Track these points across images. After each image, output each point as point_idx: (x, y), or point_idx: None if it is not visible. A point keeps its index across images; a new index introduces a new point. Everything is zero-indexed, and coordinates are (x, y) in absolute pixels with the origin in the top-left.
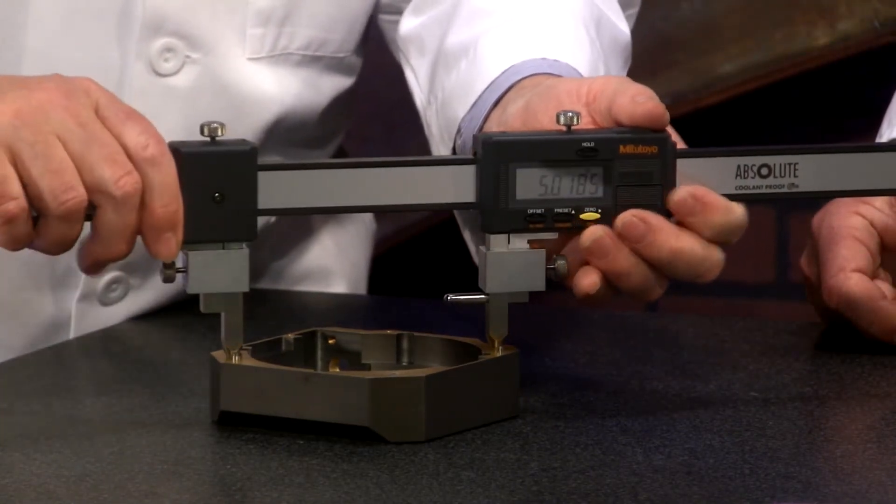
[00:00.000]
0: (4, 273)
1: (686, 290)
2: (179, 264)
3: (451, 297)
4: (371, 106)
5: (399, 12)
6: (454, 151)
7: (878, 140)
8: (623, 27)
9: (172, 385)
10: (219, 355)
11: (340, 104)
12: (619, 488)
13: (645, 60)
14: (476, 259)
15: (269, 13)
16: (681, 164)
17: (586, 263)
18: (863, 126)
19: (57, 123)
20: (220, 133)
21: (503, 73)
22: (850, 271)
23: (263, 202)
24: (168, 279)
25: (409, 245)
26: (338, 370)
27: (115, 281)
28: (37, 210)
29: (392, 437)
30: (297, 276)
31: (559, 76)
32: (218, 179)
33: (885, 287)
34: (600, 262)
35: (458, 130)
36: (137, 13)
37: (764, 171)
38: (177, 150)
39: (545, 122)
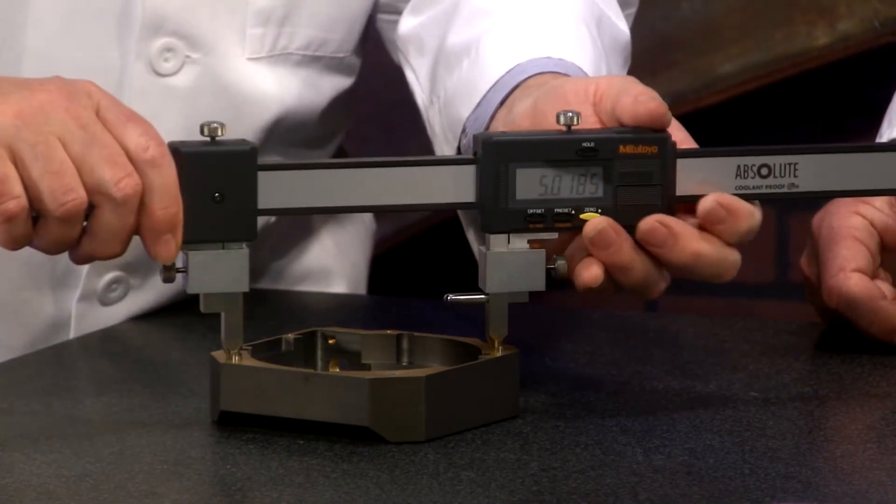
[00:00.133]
0: (4, 273)
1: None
2: (179, 264)
3: (451, 297)
4: (371, 106)
5: (397, 12)
6: (459, 151)
7: (878, 140)
8: (623, 27)
9: (172, 385)
10: (219, 355)
11: (340, 104)
12: (619, 488)
13: (645, 60)
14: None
15: (269, 13)
16: (681, 164)
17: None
18: (863, 126)
19: (58, 125)
20: (220, 133)
21: (508, 72)
22: (850, 271)
23: (263, 202)
24: (168, 279)
25: (409, 245)
26: (338, 370)
27: (115, 281)
28: (36, 211)
29: (392, 437)
30: (297, 276)
31: (565, 75)
32: (218, 179)
33: (885, 287)
34: (602, 254)
35: (463, 130)
36: (137, 13)
37: (764, 171)
38: (177, 149)
39: (554, 121)
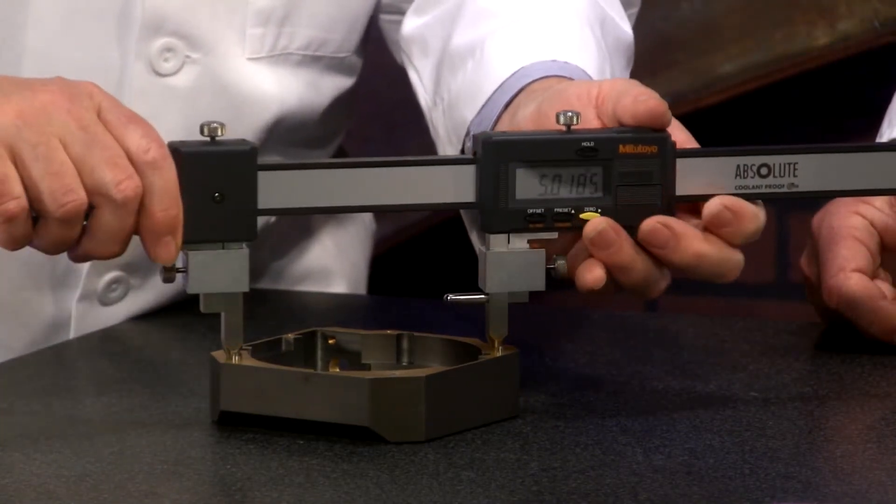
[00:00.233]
0: (4, 273)
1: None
2: (179, 264)
3: (451, 297)
4: (371, 106)
5: (400, 12)
6: (462, 153)
7: (878, 140)
8: (626, 27)
9: (172, 385)
10: (219, 355)
11: (341, 104)
12: (619, 488)
13: (645, 60)
14: None
15: (269, 13)
16: (681, 163)
17: (589, 257)
18: (863, 126)
19: (59, 126)
20: (219, 133)
21: (512, 74)
22: (850, 271)
23: (263, 202)
24: (168, 279)
25: (409, 245)
26: (338, 370)
27: (115, 281)
28: (36, 211)
29: (392, 437)
30: (297, 276)
31: (569, 79)
32: (218, 179)
33: (885, 287)
34: (602, 255)
35: (467, 133)
36: (137, 13)
37: (764, 170)
38: (177, 149)
39: (557, 126)
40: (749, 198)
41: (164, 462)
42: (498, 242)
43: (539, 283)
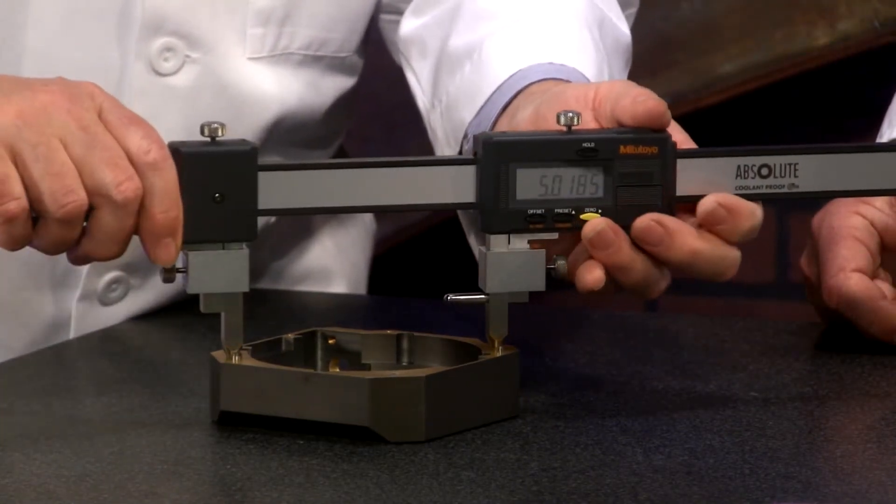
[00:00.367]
0: (4, 273)
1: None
2: (179, 264)
3: (451, 297)
4: (371, 106)
5: (399, 13)
6: (460, 155)
7: (878, 140)
8: (624, 28)
9: (172, 385)
10: (219, 355)
11: (342, 105)
12: (619, 488)
13: (645, 60)
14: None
15: (270, 13)
16: (681, 164)
17: (589, 258)
18: (863, 126)
19: (59, 126)
20: (220, 133)
21: (511, 77)
22: (850, 271)
23: (263, 202)
24: (168, 280)
25: (409, 245)
26: (338, 370)
27: (115, 281)
28: (37, 212)
29: (392, 437)
30: (297, 276)
31: (567, 81)
32: (218, 179)
33: (885, 287)
34: (602, 255)
35: (465, 135)
36: (137, 13)
37: (764, 171)
38: (177, 150)
39: (555, 128)
40: (749, 198)
41: (164, 462)
42: (498, 243)
43: (539, 283)
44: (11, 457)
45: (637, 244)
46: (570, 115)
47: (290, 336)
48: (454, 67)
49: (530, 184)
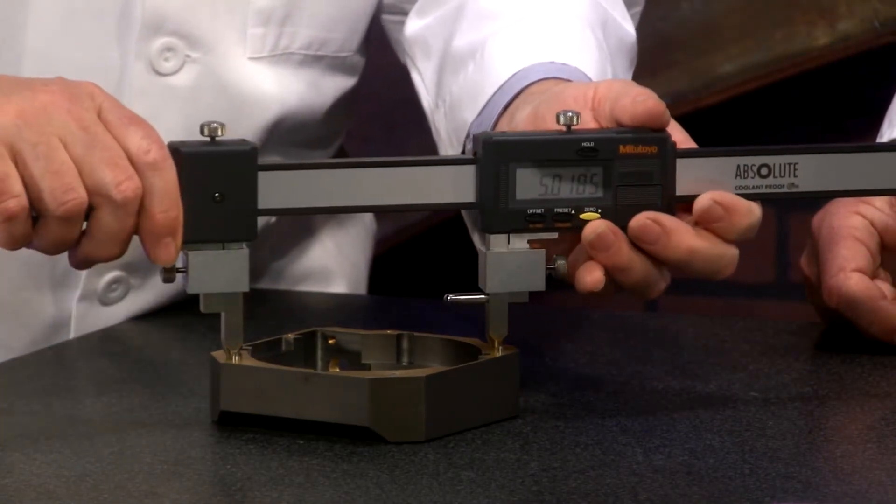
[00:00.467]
0: (4, 273)
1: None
2: (179, 264)
3: (451, 297)
4: (371, 106)
5: (403, 13)
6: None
7: (878, 140)
8: (628, 27)
9: (172, 385)
10: (219, 355)
11: (342, 104)
12: (619, 488)
13: (645, 60)
14: None
15: (270, 13)
16: (681, 163)
17: (589, 260)
18: (863, 126)
19: (59, 125)
20: (220, 133)
21: (512, 76)
22: (850, 271)
23: (263, 202)
24: (168, 279)
25: (409, 245)
26: (338, 370)
27: (115, 281)
28: (37, 211)
29: (392, 437)
30: (297, 276)
31: (567, 81)
32: (218, 179)
33: (885, 287)
34: (601, 257)
35: (468, 135)
36: (137, 13)
37: (764, 171)
38: (177, 149)
39: (554, 128)
40: (749, 198)
41: (164, 462)
42: (498, 242)
43: (539, 283)
44: (11, 457)
45: (635, 244)
46: (570, 114)
47: (290, 336)
48: (457, 67)
49: (530, 183)
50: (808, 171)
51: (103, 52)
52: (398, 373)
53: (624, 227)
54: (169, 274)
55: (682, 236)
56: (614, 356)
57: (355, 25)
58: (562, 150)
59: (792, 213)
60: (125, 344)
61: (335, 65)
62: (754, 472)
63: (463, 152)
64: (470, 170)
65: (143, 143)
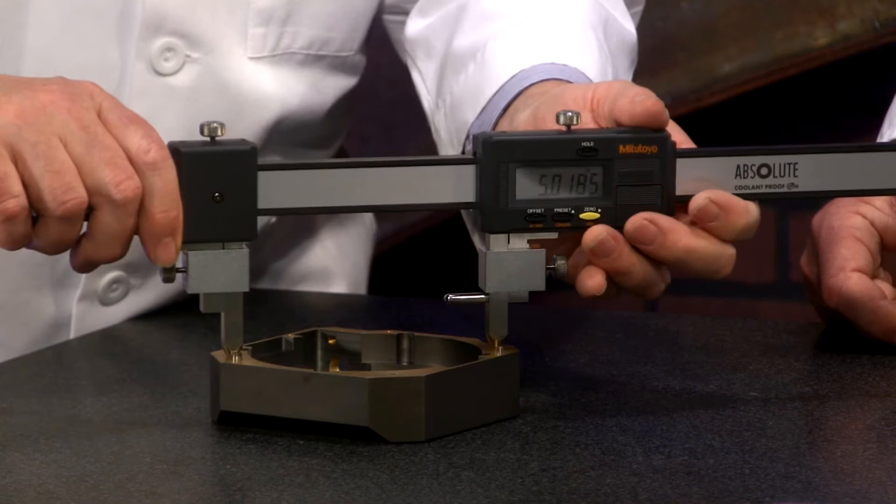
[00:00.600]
0: (5, 273)
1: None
2: (179, 264)
3: (451, 297)
4: (371, 106)
5: (404, 13)
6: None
7: (878, 140)
8: (629, 27)
9: (172, 385)
10: (219, 355)
11: (343, 104)
12: (619, 488)
13: (645, 60)
14: None
15: (271, 12)
16: (681, 163)
17: (589, 263)
18: (863, 126)
19: (59, 125)
20: (219, 133)
21: (512, 77)
22: (850, 271)
23: (263, 202)
24: (168, 279)
25: (409, 245)
26: (338, 370)
27: (115, 281)
28: (37, 210)
29: (392, 437)
30: (297, 276)
31: (567, 82)
32: (218, 179)
33: (885, 287)
34: (603, 262)
35: (468, 136)
36: (137, 13)
37: (763, 170)
38: (177, 149)
39: (554, 129)
40: (749, 198)
41: (164, 462)
42: (498, 242)
43: (539, 283)
44: (11, 457)
45: (634, 245)
46: (570, 114)
47: (290, 336)
48: (458, 68)
49: (530, 183)
50: (808, 170)
51: (103, 52)
52: (398, 373)
53: (623, 227)
54: (169, 274)
55: (678, 236)
56: (614, 356)
57: (356, 25)
58: (562, 150)
59: (792, 213)
60: (125, 344)
61: (336, 65)
62: (754, 472)
63: (463, 153)
64: (470, 170)
65: (143, 143)
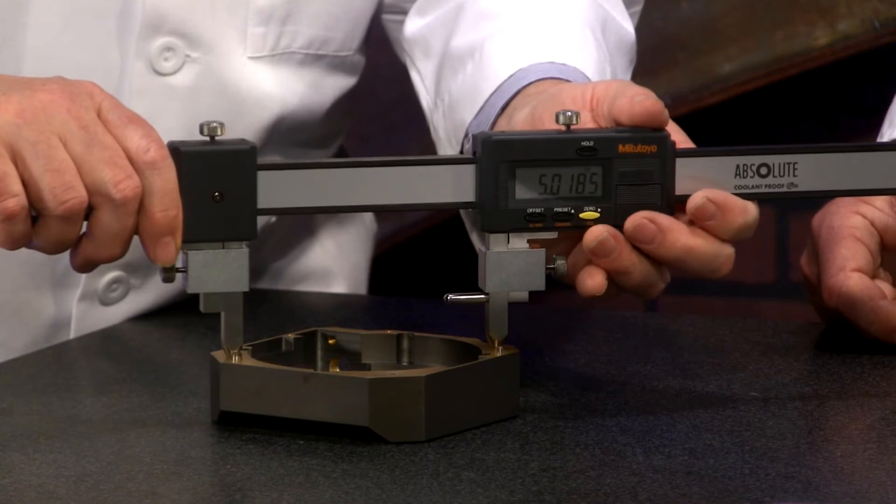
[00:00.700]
0: (5, 273)
1: (686, 290)
2: (179, 264)
3: (451, 297)
4: (370, 106)
5: (403, 12)
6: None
7: (878, 140)
8: (628, 27)
9: (172, 385)
10: (219, 355)
11: (343, 104)
12: (619, 488)
13: (645, 60)
14: None
15: (271, 12)
16: (680, 163)
17: (589, 263)
18: (863, 126)
19: (59, 124)
20: (219, 132)
21: (510, 76)
22: (850, 271)
23: (263, 202)
24: (168, 279)
25: (409, 245)
26: (338, 370)
27: (115, 281)
28: (36, 210)
29: (392, 437)
30: (297, 276)
31: (565, 81)
32: (218, 179)
33: (885, 287)
34: (603, 262)
35: (466, 135)
36: (137, 12)
37: (763, 170)
38: (176, 149)
39: (552, 128)
40: (748, 198)
41: (164, 462)
42: (498, 242)
43: (539, 283)
44: (11, 457)
45: (634, 244)
46: (570, 114)
47: (290, 336)
48: (456, 67)
49: (530, 183)
50: (808, 170)
51: (103, 52)
52: (398, 373)
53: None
54: (169, 274)
55: (677, 235)
56: (614, 356)
57: (356, 24)
58: (561, 150)
59: (792, 213)
60: (125, 344)
61: (335, 64)
62: (754, 472)
63: (461, 152)
64: (469, 169)
65: (143, 143)
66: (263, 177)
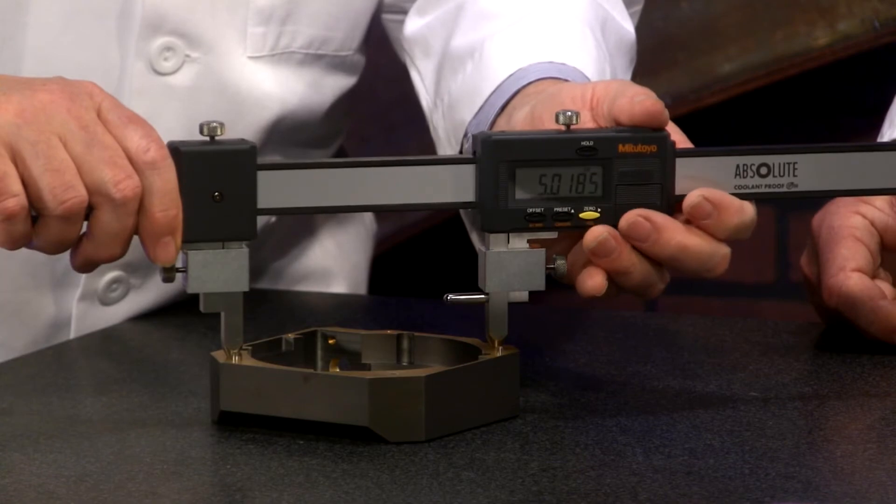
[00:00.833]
0: (5, 273)
1: (686, 290)
2: (179, 264)
3: (451, 297)
4: (370, 105)
5: (403, 12)
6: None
7: (878, 140)
8: (628, 26)
9: (172, 385)
10: (219, 355)
11: (343, 104)
12: (619, 488)
13: (645, 60)
14: None
15: (271, 12)
16: (680, 163)
17: (589, 263)
18: (863, 126)
19: (59, 124)
20: (219, 132)
21: (510, 76)
22: (850, 271)
23: (263, 201)
24: (168, 279)
25: (409, 245)
26: (338, 370)
27: (115, 281)
28: (36, 209)
29: (392, 437)
30: (297, 276)
31: (565, 80)
32: (217, 178)
33: (885, 287)
34: (603, 262)
35: (465, 134)
36: (137, 12)
37: (763, 170)
38: (176, 149)
39: (551, 128)
40: (748, 197)
41: (164, 462)
42: (498, 242)
43: (539, 283)
44: (11, 457)
45: (629, 242)
46: (569, 114)
47: (290, 336)
48: (456, 67)
49: (529, 183)
50: (808, 170)
51: (103, 52)
52: (398, 373)
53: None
54: (169, 273)
55: (672, 233)
56: (614, 356)
57: (356, 24)
58: (561, 150)
59: (792, 213)
60: (125, 344)
61: (335, 64)
62: (754, 472)
63: (461, 152)
64: (469, 169)
65: (143, 143)
66: (263, 177)
